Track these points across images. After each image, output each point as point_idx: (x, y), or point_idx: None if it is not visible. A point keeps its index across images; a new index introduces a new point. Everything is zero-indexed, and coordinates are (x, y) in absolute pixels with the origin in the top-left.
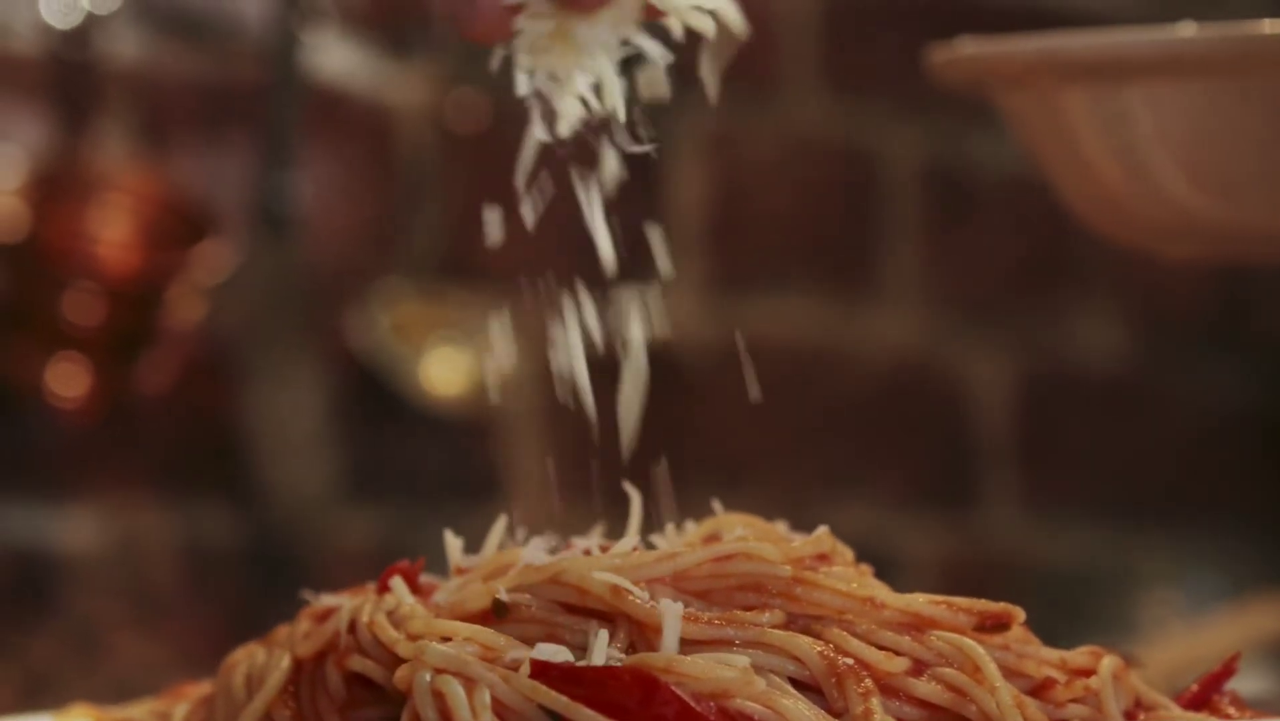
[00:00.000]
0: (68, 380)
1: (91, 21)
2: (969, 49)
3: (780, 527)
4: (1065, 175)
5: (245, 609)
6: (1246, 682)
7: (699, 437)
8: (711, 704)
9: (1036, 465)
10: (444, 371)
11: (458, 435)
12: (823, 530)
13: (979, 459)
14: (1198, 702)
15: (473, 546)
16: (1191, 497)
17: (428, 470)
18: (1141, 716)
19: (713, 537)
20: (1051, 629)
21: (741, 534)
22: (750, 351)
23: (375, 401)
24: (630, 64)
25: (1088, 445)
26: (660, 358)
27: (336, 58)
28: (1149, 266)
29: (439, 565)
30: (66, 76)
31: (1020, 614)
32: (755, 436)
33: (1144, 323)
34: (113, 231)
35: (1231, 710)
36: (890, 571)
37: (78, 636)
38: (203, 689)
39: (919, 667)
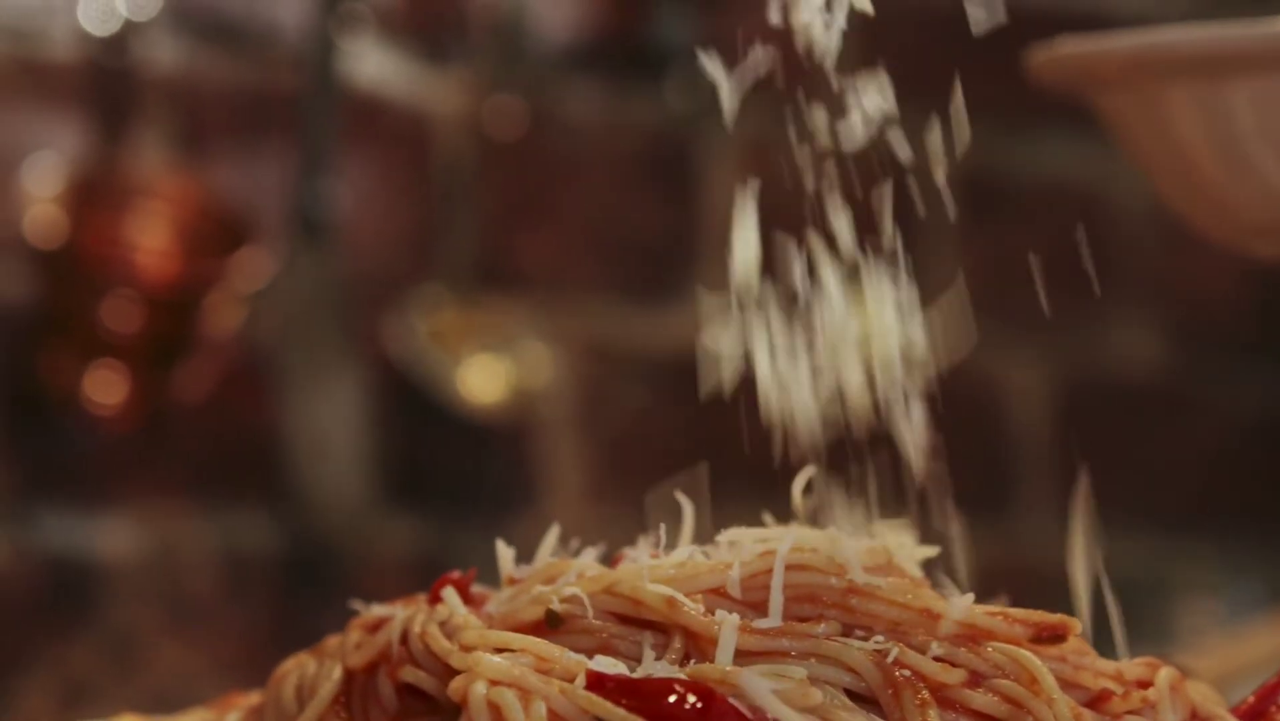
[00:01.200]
0: (106, 387)
1: (129, 28)
2: (1068, 48)
3: (834, 536)
4: (1166, 174)
5: (283, 617)
6: None
7: (736, 445)
8: (768, 715)
9: (1074, 473)
10: (482, 378)
11: (496, 442)
12: (879, 542)
13: (1016, 466)
14: (1254, 714)
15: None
16: (1230, 505)
17: (466, 477)
18: None
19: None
20: (1089, 638)
21: (796, 544)
22: None
23: (413, 408)
24: None
25: (1126, 453)
26: (701, 367)
27: (374, 64)
28: (1186, 273)
29: (483, 574)
30: (105, 83)
31: (1076, 625)
32: (794, 444)
33: (1181, 329)
34: (151, 239)
35: None
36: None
37: (115, 645)
38: (252, 699)
39: (975, 679)
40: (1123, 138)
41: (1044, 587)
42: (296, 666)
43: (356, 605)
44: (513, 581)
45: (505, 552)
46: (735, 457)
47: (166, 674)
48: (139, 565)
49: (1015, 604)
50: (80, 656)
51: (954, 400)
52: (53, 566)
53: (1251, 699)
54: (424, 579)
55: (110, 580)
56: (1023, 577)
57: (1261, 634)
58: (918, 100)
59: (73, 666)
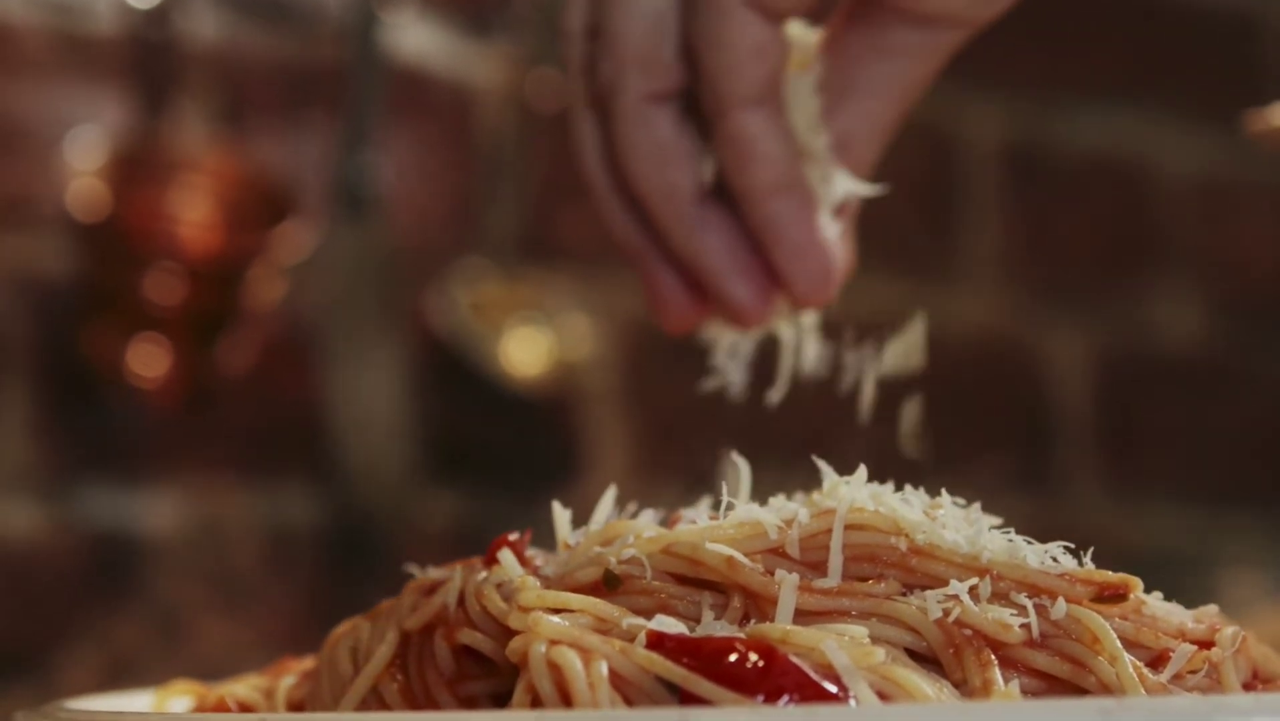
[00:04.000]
0: (149, 360)
1: (172, 2)
2: None
3: (888, 493)
4: None
5: (327, 590)
6: None
7: (776, 418)
8: (830, 674)
9: (1116, 445)
10: (524, 351)
11: (538, 415)
12: (935, 501)
13: (1059, 439)
14: None
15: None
16: (1274, 478)
17: (508, 450)
18: (1260, 687)
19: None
20: None
21: (856, 504)
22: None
23: (455, 381)
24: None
25: (1168, 425)
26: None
27: (416, 38)
28: (1228, 246)
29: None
30: (147, 57)
31: (1138, 584)
32: (834, 417)
33: (1223, 302)
34: (193, 212)
35: None
36: None
37: (160, 619)
38: (305, 664)
39: (1037, 638)
40: None
41: (1087, 557)
42: (351, 630)
43: (411, 569)
44: (568, 547)
45: (562, 515)
46: (775, 430)
47: (211, 647)
48: (183, 539)
49: None
50: (126, 630)
51: (997, 372)
52: (98, 541)
53: None
54: (467, 551)
55: (155, 554)
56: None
57: None
58: (963, 74)
59: (118, 640)
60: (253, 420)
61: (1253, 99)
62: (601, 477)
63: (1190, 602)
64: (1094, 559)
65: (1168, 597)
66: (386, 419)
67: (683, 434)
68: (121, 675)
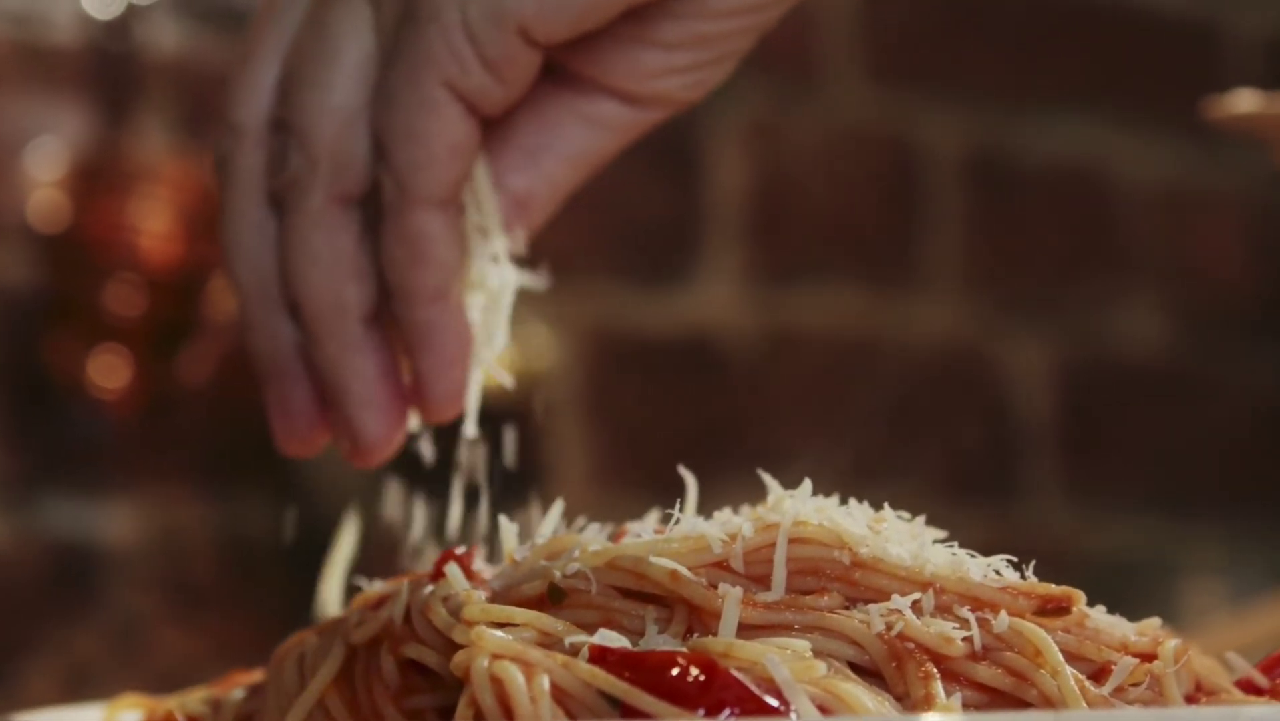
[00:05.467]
0: (109, 371)
1: (132, 13)
2: (1245, 103)
3: (833, 506)
4: None
5: (286, 601)
6: None
7: (738, 427)
8: (772, 688)
9: (1078, 454)
10: None
11: (499, 426)
12: (880, 513)
13: (1021, 447)
14: (1258, 686)
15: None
16: (1235, 487)
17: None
18: (1203, 699)
19: (770, 525)
20: None
21: (800, 517)
22: (792, 341)
23: None
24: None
25: (1130, 434)
26: (703, 348)
27: None
28: (1192, 254)
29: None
30: (107, 68)
31: (1080, 597)
32: (796, 426)
33: (1186, 311)
34: (154, 222)
35: None
36: None
37: (119, 629)
38: (254, 677)
39: (979, 651)
40: None
41: (1046, 567)
42: (298, 643)
43: (359, 582)
44: (514, 561)
45: (509, 530)
46: (736, 440)
47: (170, 658)
48: (143, 549)
49: None
50: (84, 641)
51: (958, 380)
52: (57, 551)
53: (1254, 672)
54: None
55: (114, 565)
56: (1025, 557)
57: (1265, 614)
58: (924, 82)
59: (77, 650)
60: (213, 431)
61: None
62: (563, 487)
63: (1151, 611)
64: (1054, 568)
65: (1128, 606)
66: None
67: (644, 443)
68: (82, 685)
